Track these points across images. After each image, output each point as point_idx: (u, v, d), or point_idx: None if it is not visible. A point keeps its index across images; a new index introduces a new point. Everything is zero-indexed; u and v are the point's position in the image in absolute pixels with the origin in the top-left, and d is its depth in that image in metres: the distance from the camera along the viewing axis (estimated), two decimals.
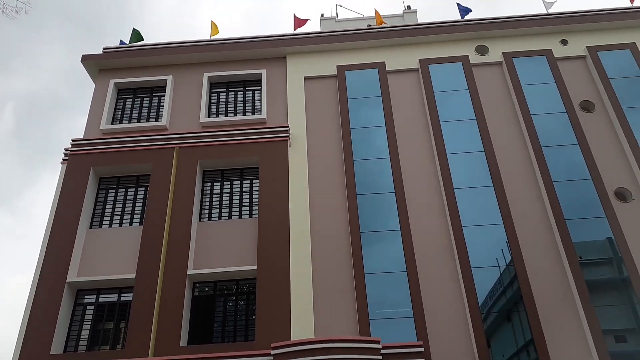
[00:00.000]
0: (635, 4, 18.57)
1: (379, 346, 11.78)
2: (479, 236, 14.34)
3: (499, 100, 16.93)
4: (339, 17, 23.21)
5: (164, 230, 14.56)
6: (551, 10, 18.80)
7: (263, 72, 17.79)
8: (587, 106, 16.62)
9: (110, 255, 14.61)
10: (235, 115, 17.42)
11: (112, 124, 17.25)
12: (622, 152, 15.56)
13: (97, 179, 16.09)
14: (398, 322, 13.34)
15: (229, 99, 17.80)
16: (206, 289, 14.48)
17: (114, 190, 16.08)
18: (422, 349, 12.06)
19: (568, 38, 17.95)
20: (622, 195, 14.88)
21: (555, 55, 17.57)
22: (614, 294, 13.63)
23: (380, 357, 11.65)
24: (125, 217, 15.60)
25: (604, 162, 15.35)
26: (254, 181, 15.97)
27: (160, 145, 16.00)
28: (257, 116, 16.93)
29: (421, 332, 12.95)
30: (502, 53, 17.70)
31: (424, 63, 17.69)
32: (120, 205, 15.80)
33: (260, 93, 17.55)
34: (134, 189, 16.07)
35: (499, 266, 14.07)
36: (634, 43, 17.61)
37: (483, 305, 13.55)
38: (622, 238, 14.02)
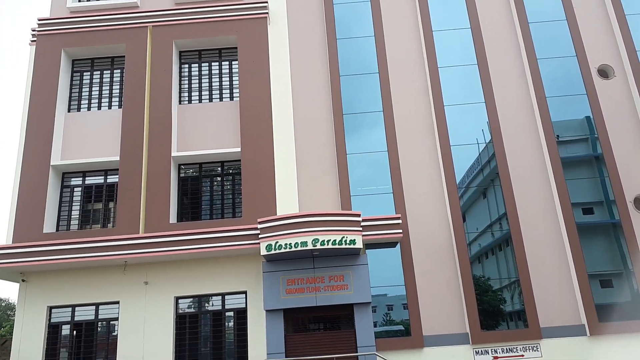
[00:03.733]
0: None
1: (360, 219, 12.37)
2: (460, 115, 14.44)
3: None
4: None
5: (144, 113, 14.39)
6: None
7: None
8: None
9: (92, 138, 14.54)
10: None
11: (79, 1, 16.19)
12: (609, 28, 15.23)
13: (69, 60, 15.48)
14: (378, 198, 13.86)
15: None
16: (191, 171, 14.71)
17: (88, 73, 15.56)
18: (399, 221, 12.72)
19: None
20: (604, 73, 14.85)
21: None
22: (586, 169, 14.13)
23: (360, 229, 12.28)
24: (103, 100, 15.29)
25: (590, 38, 15.07)
26: (233, 62, 15.50)
27: (133, 24, 15.20)
28: None
29: (400, 207, 13.55)
30: None
31: None
32: (97, 88, 15.41)
33: None
34: (109, 71, 15.55)
35: (477, 144, 14.36)
36: None
37: (461, 182, 14.05)
38: (601, 116, 14.24)
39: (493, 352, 12.36)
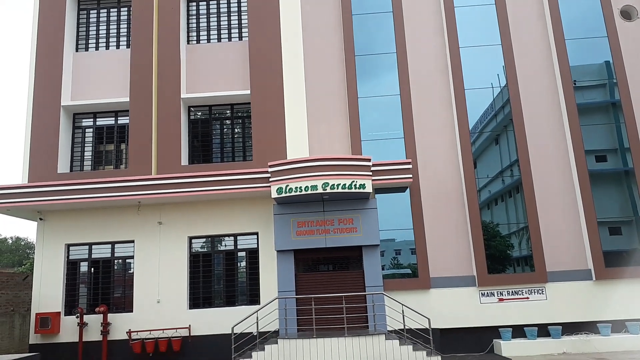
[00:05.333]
0: None
1: (370, 163, 12.34)
2: (475, 58, 14.06)
3: None
4: None
5: (153, 53, 14.15)
6: None
7: None
8: None
9: (102, 78, 14.40)
10: None
11: None
12: None
13: None
14: (389, 142, 13.77)
15: None
16: (201, 113, 14.63)
17: (95, 11, 15.19)
18: (410, 166, 12.70)
19: None
20: (627, 14, 14.25)
21: None
22: (602, 116, 13.87)
23: (370, 173, 12.28)
24: (111, 39, 15.01)
25: None
26: (241, 0, 15.02)
27: None
28: None
29: (410, 152, 13.50)
30: None
31: None
32: (104, 27, 15.08)
33: None
34: (116, 9, 15.16)
35: (492, 88, 14.06)
36: None
37: (474, 127, 13.87)
38: (621, 60, 13.80)
39: (499, 294, 12.66)
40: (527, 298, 12.59)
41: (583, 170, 13.15)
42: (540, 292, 12.61)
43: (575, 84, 13.83)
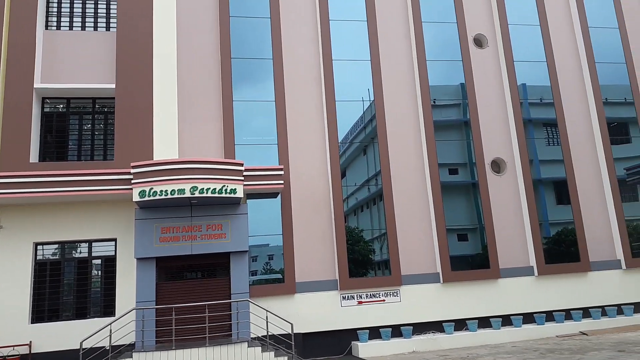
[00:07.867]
0: None
1: (242, 168, 12.23)
2: (347, 71, 14.67)
3: None
4: None
5: (2, 37, 12.61)
6: None
7: None
8: None
9: None
10: None
11: None
12: None
13: None
14: (263, 148, 13.81)
15: None
16: (60, 106, 13.36)
17: None
18: (282, 172, 12.85)
19: None
20: (479, 42, 15.92)
21: None
22: (456, 133, 15.28)
23: (242, 178, 12.17)
24: None
25: (470, 6, 15.97)
26: None
27: None
28: None
29: (283, 158, 13.67)
30: None
31: None
32: None
33: None
34: None
35: (362, 101, 14.78)
36: None
37: (345, 138, 14.48)
38: (472, 83, 15.36)
39: (358, 297, 13.33)
40: (384, 300, 13.43)
41: (436, 182, 14.39)
42: (395, 294, 13.53)
43: (434, 102, 15.07)
